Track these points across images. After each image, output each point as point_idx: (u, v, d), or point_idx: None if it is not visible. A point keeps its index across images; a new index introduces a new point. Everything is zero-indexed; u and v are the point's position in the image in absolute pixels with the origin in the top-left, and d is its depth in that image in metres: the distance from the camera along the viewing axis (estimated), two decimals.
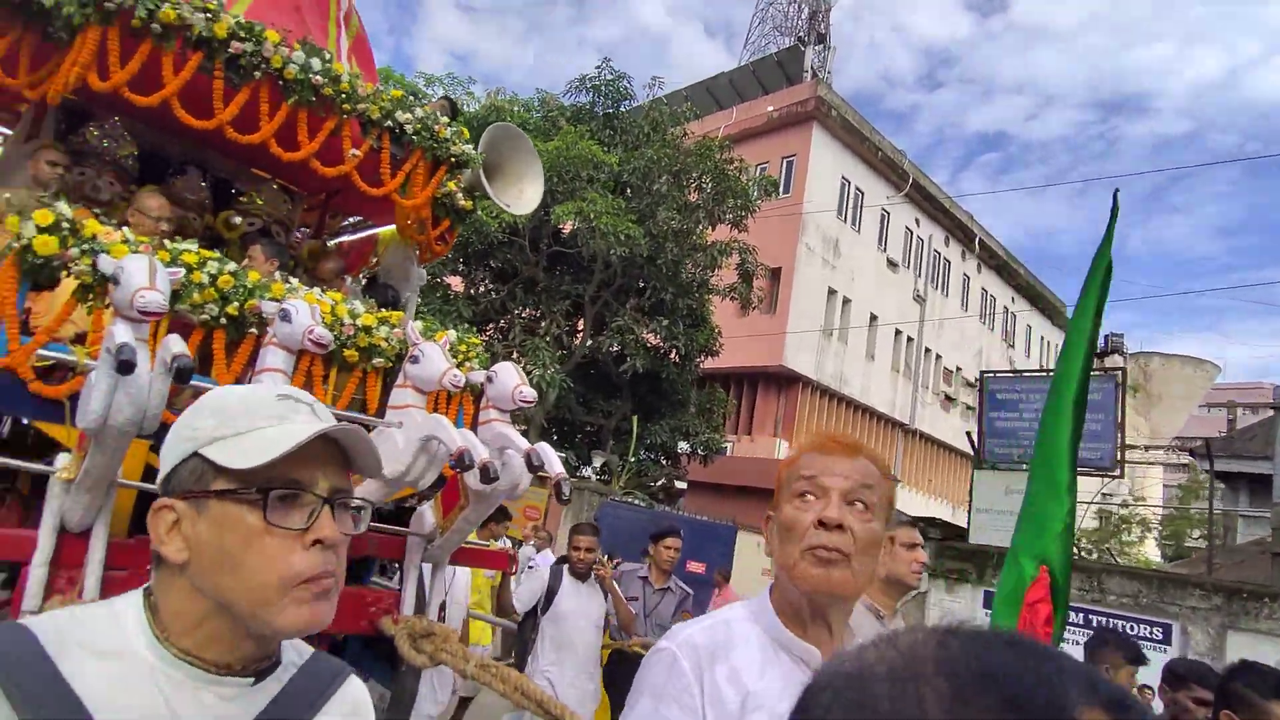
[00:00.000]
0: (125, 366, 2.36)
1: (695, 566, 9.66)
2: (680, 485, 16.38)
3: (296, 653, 0.90)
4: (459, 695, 5.34)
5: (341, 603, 3.04)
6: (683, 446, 15.27)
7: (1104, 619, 7.43)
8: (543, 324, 13.74)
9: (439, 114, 4.11)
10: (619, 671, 4.52)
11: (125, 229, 2.95)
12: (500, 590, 4.82)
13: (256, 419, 0.82)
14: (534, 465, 3.02)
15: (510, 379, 3.22)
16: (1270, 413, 12.18)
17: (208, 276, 3.07)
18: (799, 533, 1.18)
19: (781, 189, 21.38)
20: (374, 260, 5.13)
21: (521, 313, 14.32)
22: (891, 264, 23.74)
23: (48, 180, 3.34)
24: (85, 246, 2.74)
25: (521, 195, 4.58)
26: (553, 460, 3.06)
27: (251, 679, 0.82)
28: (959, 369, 26.18)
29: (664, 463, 15.62)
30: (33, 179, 3.37)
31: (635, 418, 13.77)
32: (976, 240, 27.05)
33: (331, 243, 5.19)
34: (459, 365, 3.54)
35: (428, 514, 3.56)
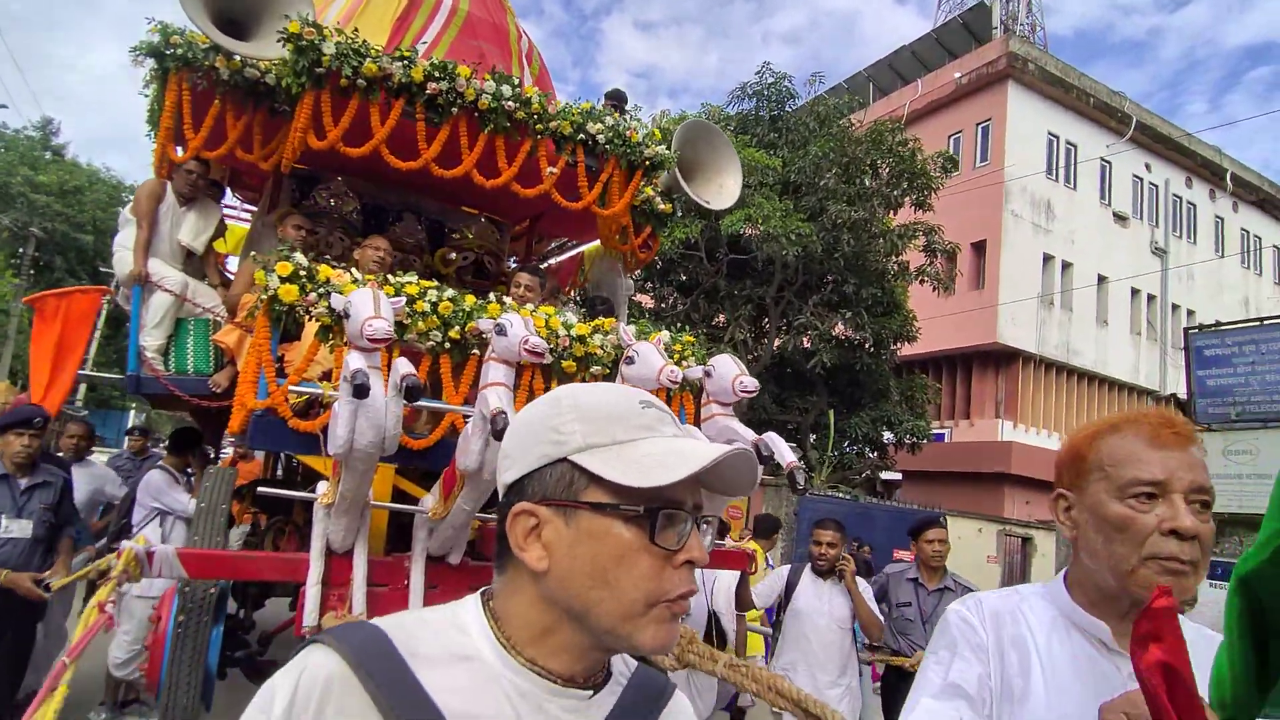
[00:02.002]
0: (361, 390, 2.46)
1: (902, 554, 8.97)
2: (889, 476, 15.34)
3: (625, 664, 0.86)
4: (737, 707, 5.18)
5: None
6: (887, 437, 14.31)
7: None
8: (728, 330, 13.53)
9: (609, 110, 4.06)
10: (897, 689, 4.12)
11: (353, 270, 3.19)
12: (740, 589, 4.62)
13: (629, 429, 0.77)
14: (763, 456, 2.89)
15: (729, 371, 3.12)
16: None
17: (429, 304, 3.17)
18: (1139, 537, 1.08)
19: (979, 158, 19.54)
20: (583, 279, 5.19)
21: (708, 321, 14.22)
22: (1119, 218, 20.73)
23: (293, 242, 3.67)
24: (321, 290, 2.97)
25: (722, 190, 4.41)
26: (783, 449, 2.95)
27: (590, 691, 0.79)
28: (1218, 323, 22.18)
29: (870, 454, 14.75)
30: (279, 243, 3.71)
31: (831, 411, 13.12)
32: (1228, 176, 22.85)
33: (541, 265, 5.35)
34: (676, 363, 3.49)
35: None
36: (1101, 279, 20.05)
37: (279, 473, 4.25)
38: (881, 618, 4.24)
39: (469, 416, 2.87)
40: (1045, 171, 19.35)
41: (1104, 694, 1.02)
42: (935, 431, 18.64)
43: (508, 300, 3.43)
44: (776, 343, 14.05)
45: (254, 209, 4.75)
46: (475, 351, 3.21)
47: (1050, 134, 19.68)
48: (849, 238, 12.85)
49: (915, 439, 14.40)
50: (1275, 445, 9.06)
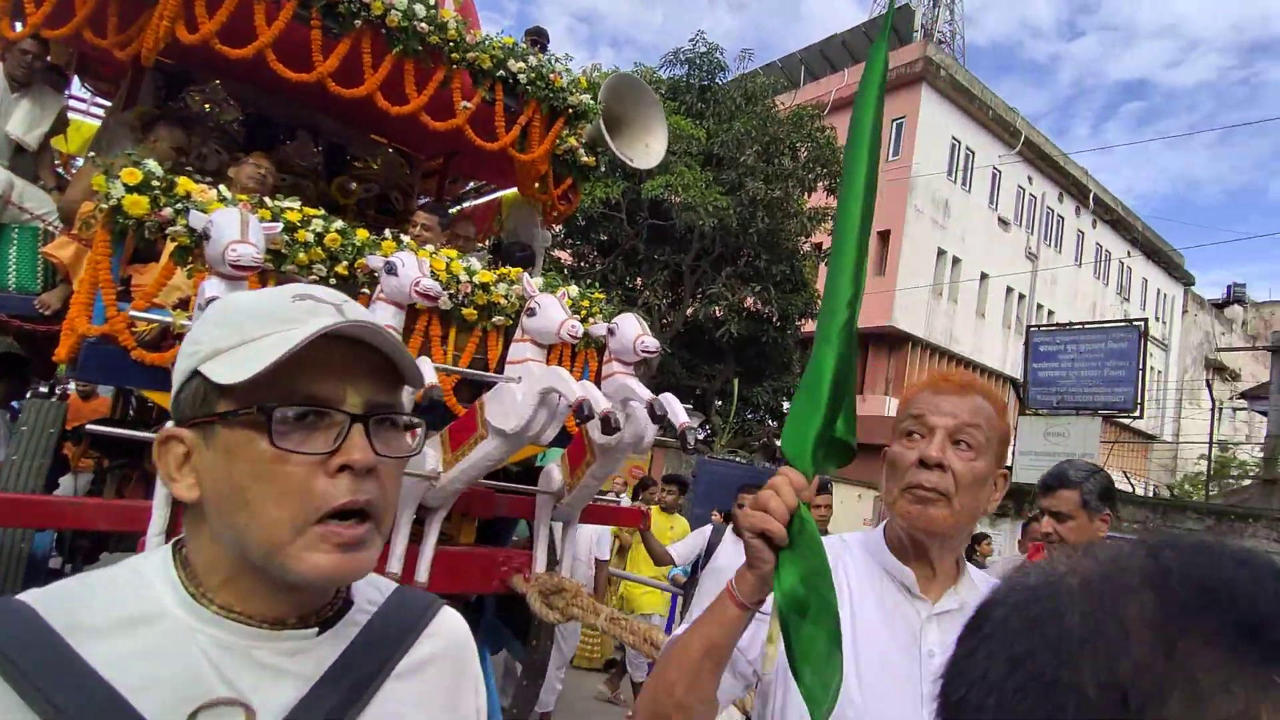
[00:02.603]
0: None
1: None
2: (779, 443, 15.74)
3: (378, 591, 0.74)
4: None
5: (472, 563, 3.34)
6: (787, 406, 14.58)
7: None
8: (645, 293, 13.35)
9: (531, 48, 3.70)
10: None
11: (221, 187, 2.72)
12: (646, 542, 4.56)
13: (266, 325, 0.63)
14: (657, 415, 2.80)
15: (632, 330, 2.97)
16: None
17: (313, 235, 2.78)
18: (901, 470, 1.12)
19: (891, 151, 19.82)
20: (499, 226, 4.83)
21: (625, 283, 14.01)
22: (1003, 222, 21.78)
23: (156, 149, 3.10)
24: (179, 205, 2.50)
25: (648, 150, 4.12)
26: (677, 409, 2.87)
27: (315, 630, 0.66)
28: (1084, 323, 23.86)
29: (771, 423, 15.04)
30: (136, 148, 3.12)
31: (736, 380, 13.24)
32: (1091, 196, 24.43)
33: (453, 209, 4.96)
34: (582, 320, 3.32)
35: (555, 472, 3.38)
36: (984, 276, 21.06)
37: (130, 413, 3.66)
38: None
39: None
40: (946, 172, 19.94)
41: (905, 639, 1.06)
42: None
43: (405, 239, 3.10)
44: (690, 310, 13.97)
45: (109, 104, 3.98)
46: (365, 290, 2.89)
47: (954, 138, 20.28)
48: (764, 215, 12.88)
49: None
50: (1082, 430, 10.31)
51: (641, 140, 4.12)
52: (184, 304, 2.65)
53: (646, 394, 2.87)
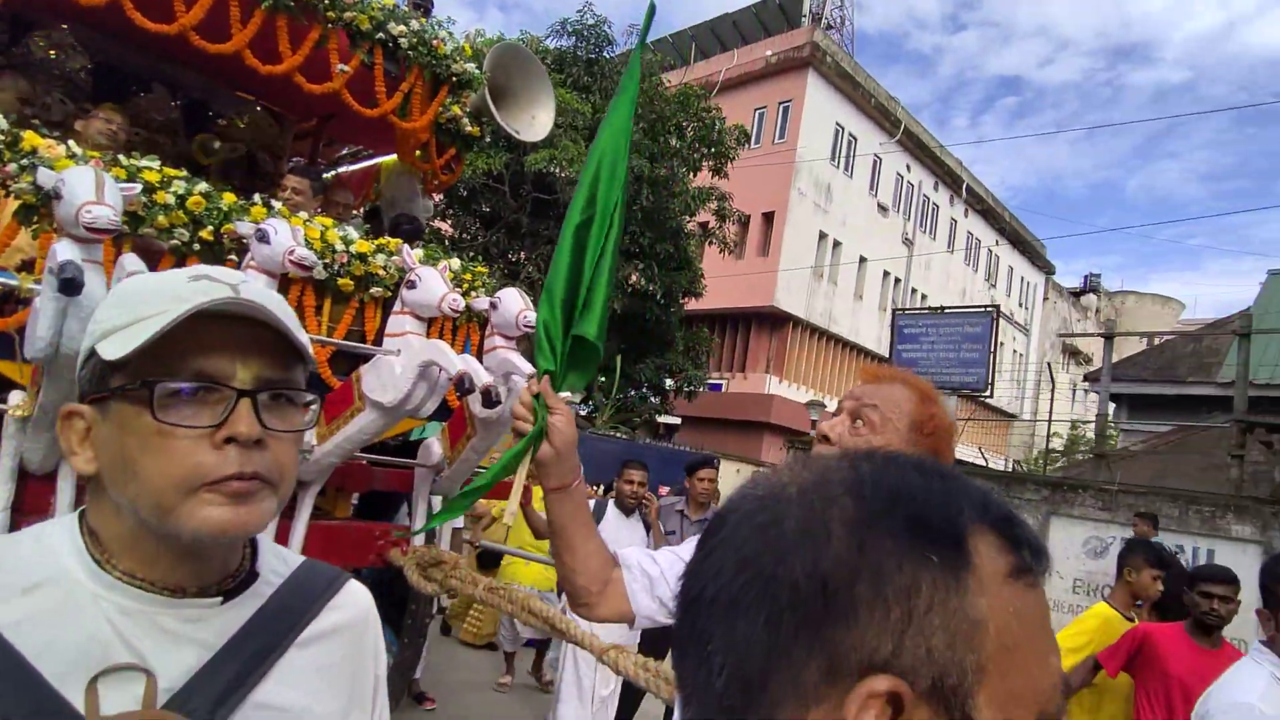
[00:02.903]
0: (69, 286, 2.05)
1: (665, 489, 9.67)
2: (669, 420, 16.32)
3: (284, 564, 0.77)
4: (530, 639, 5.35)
5: (348, 537, 3.33)
6: (669, 384, 15.13)
7: None
8: (528, 267, 13.39)
9: (413, 12, 3.70)
10: None
11: (71, 142, 2.65)
12: (528, 516, 4.63)
13: (158, 304, 0.66)
14: None
15: (515, 305, 3.01)
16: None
17: (174, 197, 2.70)
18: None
19: (777, 134, 20.77)
20: (376, 193, 4.73)
21: (507, 256, 13.99)
22: (882, 208, 23.32)
23: (7, 112, 3.00)
24: (24, 161, 2.45)
25: (534, 122, 4.10)
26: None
27: (219, 599, 0.70)
28: (943, 308, 25.86)
29: (653, 399, 15.51)
30: None
31: (619, 356, 13.58)
32: (964, 186, 26.60)
33: (329, 174, 4.80)
34: (464, 294, 3.32)
35: (435, 445, 3.40)
36: (862, 260, 22.48)
37: None
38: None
39: None
40: (829, 157, 21.02)
41: None
42: (713, 382, 19.98)
43: (277, 205, 3.05)
44: None
45: None
46: (233, 258, 2.84)
47: (838, 124, 21.42)
48: (649, 192, 13.17)
49: (692, 387, 15.29)
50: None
51: (528, 112, 4.06)
52: (28, 266, 2.56)
53: (529, 368, 2.90)
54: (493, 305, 3.09)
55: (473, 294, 3.48)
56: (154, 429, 0.64)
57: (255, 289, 0.70)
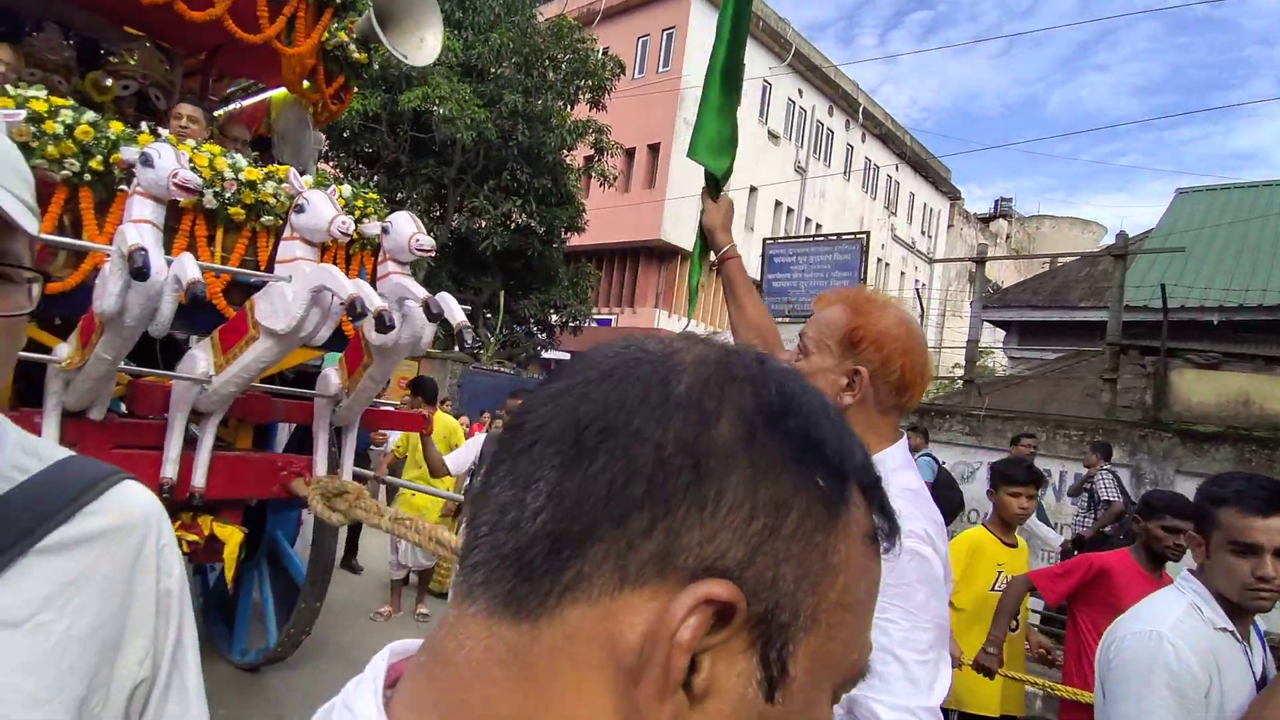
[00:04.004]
0: None
1: None
2: (558, 355, 17.76)
3: (36, 460, 0.71)
4: (418, 569, 5.74)
5: (250, 468, 3.77)
6: (554, 319, 16.55)
7: None
8: (408, 207, 14.52)
9: None
10: None
11: None
12: (425, 452, 4.79)
13: None
14: (433, 314, 2.98)
15: (407, 229, 3.12)
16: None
17: (62, 127, 2.88)
18: None
19: (661, 63, 21.93)
20: (267, 127, 4.74)
21: (387, 195, 15.01)
22: (773, 136, 24.73)
23: None
24: None
25: (422, 44, 4.14)
26: (453, 308, 3.02)
27: None
28: (812, 237, 27.83)
29: (538, 334, 16.93)
30: None
31: (503, 293, 15.01)
32: (861, 110, 28.10)
33: (219, 112, 4.89)
34: (356, 221, 3.45)
35: (332, 375, 3.55)
36: (753, 189, 24.10)
37: None
38: None
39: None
40: None
41: None
42: (602, 317, 21.67)
43: (164, 133, 3.21)
44: (454, 224, 15.32)
45: None
46: (123, 188, 3.02)
47: None
48: (524, 128, 14.37)
49: (577, 322, 16.85)
50: None
51: (415, 35, 4.11)
52: None
53: (422, 292, 3.01)
54: (384, 230, 3.19)
55: (365, 220, 3.61)
56: None
57: None
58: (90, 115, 3.00)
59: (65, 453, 0.74)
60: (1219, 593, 1.62)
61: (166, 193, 2.75)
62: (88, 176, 2.98)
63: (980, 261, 11.38)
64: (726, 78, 1.93)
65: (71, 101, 3.03)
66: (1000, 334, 16.89)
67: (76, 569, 0.69)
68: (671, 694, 0.34)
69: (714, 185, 1.96)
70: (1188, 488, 6.76)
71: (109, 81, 3.97)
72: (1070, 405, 9.13)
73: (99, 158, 2.98)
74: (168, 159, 2.74)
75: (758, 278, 23.56)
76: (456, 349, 13.53)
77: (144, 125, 3.19)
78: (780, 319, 11.35)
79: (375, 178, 14.91)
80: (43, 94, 2.94)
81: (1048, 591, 3.11)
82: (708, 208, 1.89)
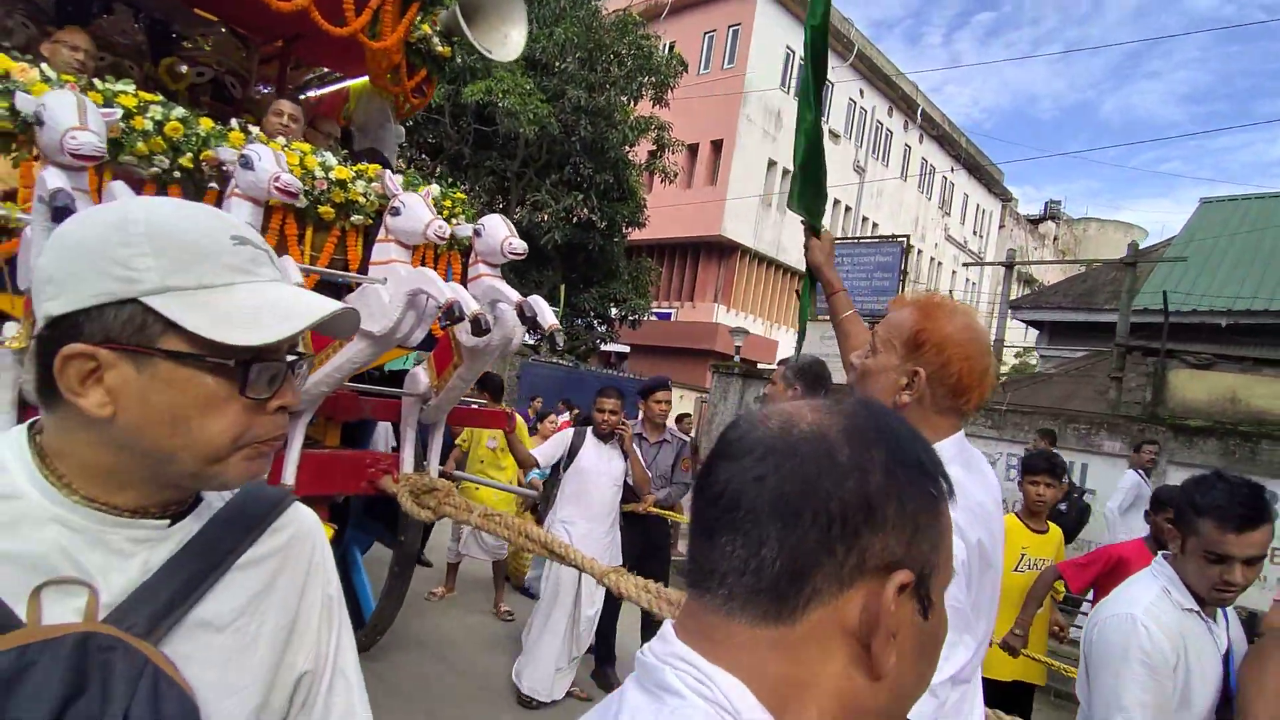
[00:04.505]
0: (62, 214, 2.10)
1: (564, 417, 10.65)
2: (617, 348, 17.28)
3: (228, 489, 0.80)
4: (490, 559, 5.67)
5: (339, 465, 3.58)
6: (614, 313, 16.07)
7: None
8: (471, 199, 14.18)
9: None
10: (625, 531, 4.69)
11: (44, 65, 2.68)
12: (512, 446, 4.71)
13: (219, 270, 0.71)
14: (526, 317, 2.93)
15: (499, 232, 3.03)
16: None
17: (151, 123, 2.78)
18: None
19: (726, 59, 21.24)
20: (346, 118, 4.55)
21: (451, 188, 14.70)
22: (833, 135, 23.91)
23: None
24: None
25: (506, 40, 4.09)
26: (545, 311, 2.98)
27: (168, 520, 0.73)
28: (894, 236, 26.88)
29: (599, 327, 16.47)
30: None
31: (563, 286, 14.51)
32: (919, 111, 27.16)
33: (300, 98, 4.66)
34: (445, 219, 3.35)
35: (421, 374, 3.49)
36: None
37: None
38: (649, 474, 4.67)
39: None
40: (780, 83, 21.58)
41: None
42: (662, 310, 21.06)
43: (254, 130, 3.10)
44: (516, 216, 14.88)
45: None
46: (214, 186, 2.93)
47: (788, 48, 21.90)
48: (587, 123, 13.82)
49: (636, 316, 16.31)
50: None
51: (500, 30, 4.05)
52: (9, 196, 2.64)
53: (515, 296, 2.96)
54: (476, 232, 3.09)
55: (453, 220, 3.49)
56: (228, 396, 0.70)
57: (290, 266, 1.08)
58: (179, 111, 2.85)
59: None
60: (1188, 582, 1.72)
61: (267, 195, 2.65)
62: (177, 174, 2.84)
63: (1009, 266, 11.76)
64: (814, 123, 2.09)
65: (159, 96, 2.87)
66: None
67: (267, 578, 0.79)
68: (890, 639, 0.53)
69: (815, 223, 2.10)
70: (1179, 477, 7.13)
71: (184, 68, 3.75)
72: (1087, 402, 9.43)
73: (189, 155, 2.84)
74: (268, 162, 2.64)
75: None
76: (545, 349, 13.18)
77: (234, 122, 3.05)
78: (823, 317, 11.95)
79: (438, 169, 14.53)
80: (131, 88, 2.77)
81: (1072, 580, 3.37)
82: (811, 245, 2.01)
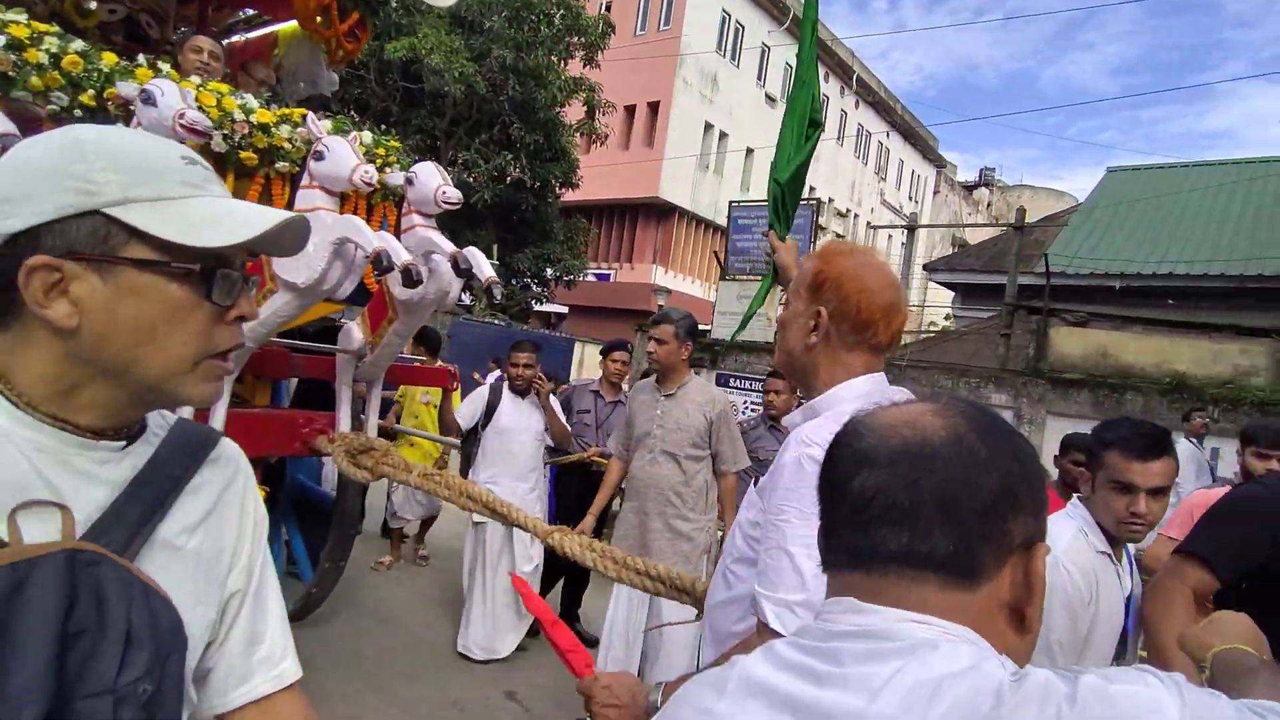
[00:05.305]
0: None
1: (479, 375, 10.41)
2: (557, 309, 16.96)
3: (163, 418, 0.81)
4: (420, 518, 5.46)
5: (271, 425, 3.19)
6: (549, 273, 15.71)
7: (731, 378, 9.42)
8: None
9: None
10: (565, 482, 4.58)
11: None
12: (443, 409, 4.49)
13: (175, 185, 0.71)
14: (461, 269, 2.73)
15: (432, 180, 2.80)
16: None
17: (47, 56, 2.52)
18: None
19: (662, 21, 20.50)
20: (275, 64, 4.25)
21: None
22: (770, 99, 23.50)
23: None
24: None
25: None
26: (482, 264, 2.79)
27: (123, 443, 0.74)
28: (831, 200, 26.82)
29: (534, 288, 16.13)
30: None
31: (495, 245, 14.08)
32: (855, 77, 26.77)
33: (223, 42, 4.16)
34: (379, 168, 3.11)
35: (355, 330, 3.28)
36: (750, 151, 22.91)
37: None
38: (569, 427, 4.46)
39: None
40: (716, 46, 21.00)
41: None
42: (602, 272, 20.67)
43: (164, 68, 2.80)
44: None
45: None
46: (120, 125, 2.92)
47: (724, 11, 21.27)
48: (516, 83, 13.22)
49: (571, 276, 15.95)
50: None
51: None
52: None
53: (450, 247, 2.78)
54: (409, 181, 2.88)
55: (386, 169, 3.23)
56: (193, 303, 0.70)
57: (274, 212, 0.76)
58: (78, 44, 2.60)
59: (174, 415, 0.83)
60: (1099, 522, 1.75)
61: (172, 135, 2.37)
62: (78, 112, 2.58)
63: (911, 229, 12.81)
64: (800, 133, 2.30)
65: (55, 27, 2.63)
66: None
67: (211, 502, 0.81)
68: (1041, 597, 0.63)
69: (783, 226, 2.22)
70: (1056, 426, 7.57)
71: (93, 4, 3.45)
72: (989, 359, 9.82)
73: (90, 92, 2.58)
74: (172, 97, 2.41)
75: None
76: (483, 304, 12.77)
77: (141, 58, 2.77)
78: (743, 276, 11.59)
79: (366, 126, 13.82)
80: (23, 18, 2.52)
81: None
82: (778, 247, 1.99)
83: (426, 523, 5.59)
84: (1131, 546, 1.89)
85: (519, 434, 4.17)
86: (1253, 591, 1.60)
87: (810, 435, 1.16)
